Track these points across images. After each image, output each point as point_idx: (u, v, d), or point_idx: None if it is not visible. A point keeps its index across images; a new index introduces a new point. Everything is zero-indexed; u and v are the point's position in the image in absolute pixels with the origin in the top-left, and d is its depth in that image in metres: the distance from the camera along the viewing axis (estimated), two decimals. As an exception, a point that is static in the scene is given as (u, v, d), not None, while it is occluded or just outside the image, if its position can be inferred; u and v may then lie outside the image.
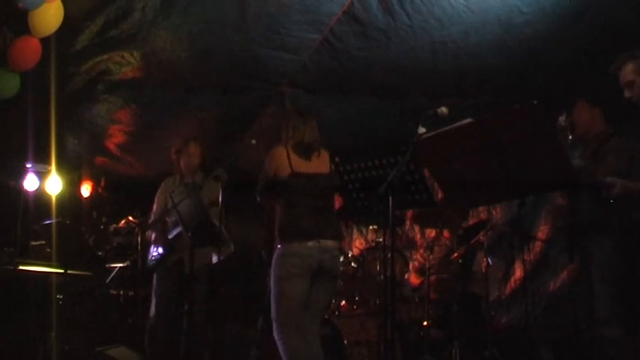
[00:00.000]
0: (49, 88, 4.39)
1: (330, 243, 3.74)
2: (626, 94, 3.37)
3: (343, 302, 5.17)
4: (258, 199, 3.86)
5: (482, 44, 4.24)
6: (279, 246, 3.74)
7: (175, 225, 4.58)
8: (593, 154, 3.66)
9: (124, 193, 7.16)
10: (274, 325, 3.69)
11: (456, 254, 5.24)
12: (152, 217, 4.96)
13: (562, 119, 3.51)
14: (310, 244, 3.66)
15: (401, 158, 2.87)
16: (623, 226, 3.45)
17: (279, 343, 3.66)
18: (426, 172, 3.07)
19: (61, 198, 6.19)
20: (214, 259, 4.33)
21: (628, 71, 3.36)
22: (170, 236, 4.62)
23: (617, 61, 3.40)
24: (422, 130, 2.89)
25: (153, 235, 4.87)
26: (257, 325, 5.01)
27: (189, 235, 4.10)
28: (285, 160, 3.75)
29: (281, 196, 3.79)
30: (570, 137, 3.47)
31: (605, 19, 3.88)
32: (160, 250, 4.73)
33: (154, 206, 4.97)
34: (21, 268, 4.63)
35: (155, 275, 4.83)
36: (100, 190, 7.14)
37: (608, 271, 3.51)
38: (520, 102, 2.59)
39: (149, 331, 4.76)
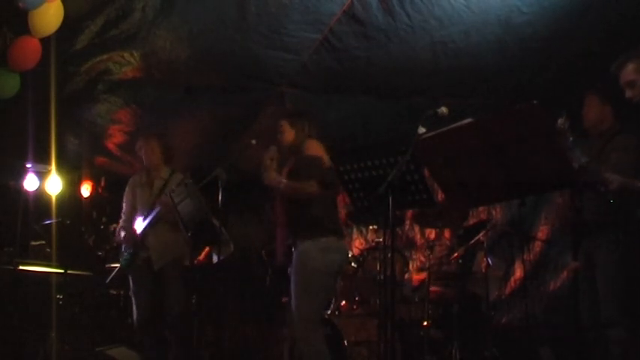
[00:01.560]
0: (49, 88, 4.39)
1: None
2: (627, 94, 3.36)
3: (343, 302, 5.17)
4: (329, 187, 3.60)
5: (482, 44, 4.23)
6: (313, 240, 3.58)
7: (144, 222, 4.61)
8: (598, 153, 3.64)
9: (124, 193, 7.16)
10: (305, 324, 3.48)
11: (456, 254, 5.24)
12: (122, 217, 4.93)
13: (561, 121, 3.49)
14: (343, 241, 3.72)
15: (401, 158, 2.87)
16: (628, 225, 3.44)
17: (309, 342, 3.46)
18: (426, 172, 3.06)
19: (61, 198, 6.20)
20: (214, 259, 4.33)
21: (629, 71, 3.34)
22: (139, 233, 4.63)
23: (618, 61, 3.39)
24: (422, 130, 2.88)
25: (122, 235, 4.82)
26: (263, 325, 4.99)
27: (189, 235, 4.10)
28: (325, 154, 3.68)
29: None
30: (571, 139, 3.45)
31: (606, 19, 3.87)
32: (129, 249, 4.72)
33: (123, 206, 4.93)
34: (21, 268, 4.64)
35: (130, 276, 4.80)
36: (100, 190, 7.15)
37: (613, 270, 3.50)
38: (520, 102, 2.59)
39: (137, 333, 4.75)
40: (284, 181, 3.63)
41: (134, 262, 4.68)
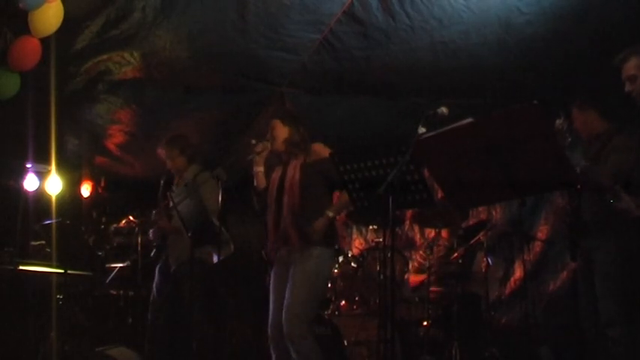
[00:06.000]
0: (49, 88, 4.40)
1: None
2: (627, 87, 3.35)
3: (343, 302, 5.17)
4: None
5: (482, 44, 4.23)
6: (326, 247, 3.69)
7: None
8: (596, 155, 3.64)
9: (124, 193, 7.16)
10: (305, 326, 3.52)
11: (456, 254, 5.24)
12: None
13: (559, 122, 3.50)
14: None
15: (401, 158, 2.87)
16: (626, 225, 3.43)
17: (307, 340, 3.50)
18: (426, 172, 3.06)
19: (61, 198, 6.19)
20: (214, 259, 4.33)
21: (631, 65, 3.33)
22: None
23: (622, 54, 3.38)
24: (422, 130, 2.89)
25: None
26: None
27: (189, 235, 4.10)
28: None
29: None
30: (569, 139, 3.45)
31: (605, 19, 3.87)
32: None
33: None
34: (21, 268, 4.63)
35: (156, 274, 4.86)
36: (100, 190, 7.14)
37: (611, 270, 3.50)
38: (520, 102, 2.59)
39: (149, 335, 4.76)
40: (330, 214, 3.67)
41: (159, 261, 4.79)
